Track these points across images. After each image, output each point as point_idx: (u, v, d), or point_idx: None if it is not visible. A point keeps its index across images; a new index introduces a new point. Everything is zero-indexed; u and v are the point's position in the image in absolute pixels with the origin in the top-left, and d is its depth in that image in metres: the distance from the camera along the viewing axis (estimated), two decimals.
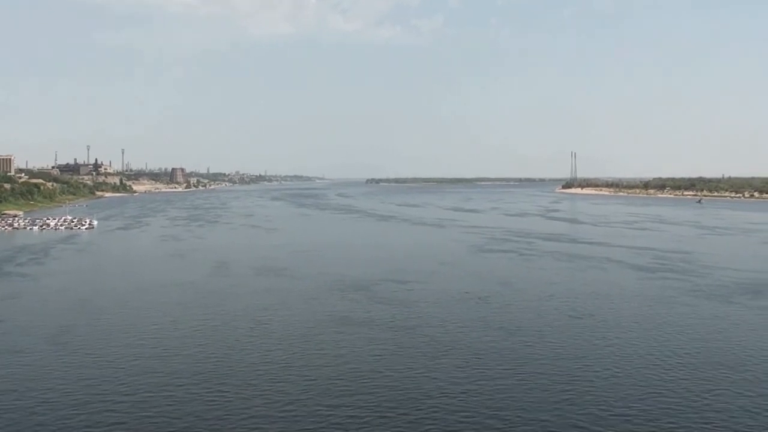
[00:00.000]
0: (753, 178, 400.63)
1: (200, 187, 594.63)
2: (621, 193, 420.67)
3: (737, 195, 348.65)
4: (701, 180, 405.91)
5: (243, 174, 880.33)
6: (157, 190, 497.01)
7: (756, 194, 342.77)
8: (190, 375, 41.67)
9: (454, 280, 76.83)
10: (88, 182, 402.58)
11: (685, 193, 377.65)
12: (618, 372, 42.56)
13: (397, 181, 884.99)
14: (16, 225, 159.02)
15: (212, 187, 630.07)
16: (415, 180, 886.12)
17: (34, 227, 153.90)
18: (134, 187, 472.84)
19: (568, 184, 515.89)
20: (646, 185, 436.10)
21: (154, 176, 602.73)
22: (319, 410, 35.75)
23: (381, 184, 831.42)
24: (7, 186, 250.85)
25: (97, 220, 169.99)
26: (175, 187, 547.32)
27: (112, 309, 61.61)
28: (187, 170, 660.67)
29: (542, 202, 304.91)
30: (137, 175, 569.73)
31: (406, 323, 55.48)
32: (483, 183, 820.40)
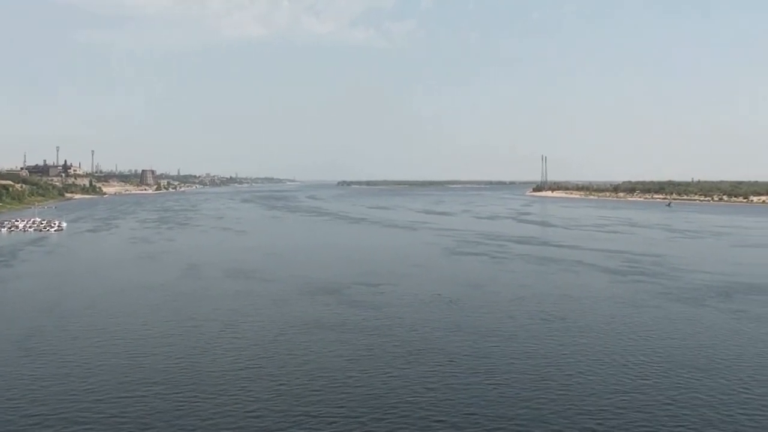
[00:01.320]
0: (722, 182, 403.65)
1: (171, 189, 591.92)
2: (591, 197, 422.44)
3: (706, 198, 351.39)
4: (671, 183, 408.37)
5: (214, 176, 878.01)
6: (127, 192, 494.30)
7: (725, 198, 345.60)
8: (160, 378, 41.24)
9: (426, 283, 76.70)
10: (58, 184, 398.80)
11: (655, 196, 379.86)
12: (590, 374, 42.53)
13: (368, 183, 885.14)
14: None
15: (183, 189, 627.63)
16: (386, 182, 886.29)
17: (2, 229, 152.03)
18: (104, 189, 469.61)
19: (539, 188, 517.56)
20: (616, 189, 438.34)
21: (124, 178, 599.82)
22: (290, 413, 35.46)
23: (352, 186, 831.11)
24: None
25: (67, 222, 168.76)
26: (146, 189, 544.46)
27: (81, 312, 61.00)
28: (158, 172, 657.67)
29: (513, 205, 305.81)
30: (107, 177, 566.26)
31: (378, 326, 55.27)
32: (454, 186, 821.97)
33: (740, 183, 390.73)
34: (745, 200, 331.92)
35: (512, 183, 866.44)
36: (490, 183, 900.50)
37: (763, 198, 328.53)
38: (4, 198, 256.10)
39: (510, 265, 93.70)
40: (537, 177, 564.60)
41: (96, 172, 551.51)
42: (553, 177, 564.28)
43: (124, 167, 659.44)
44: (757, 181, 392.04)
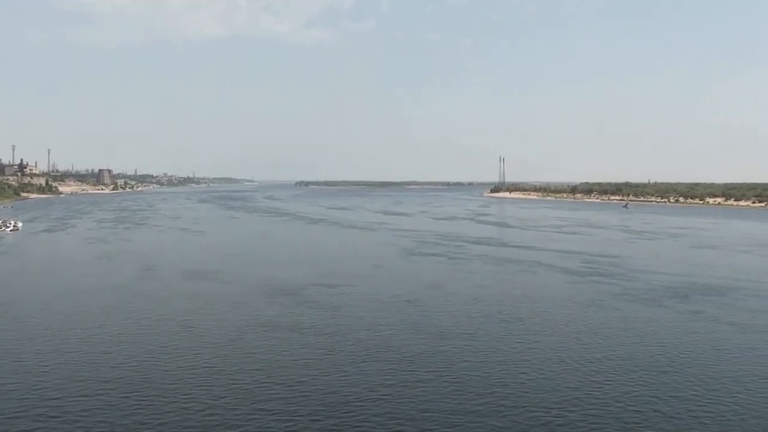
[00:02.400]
0: (678, 184, 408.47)
1: (128, 189, 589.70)
2: (549, 198, 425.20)
3: (663, 200, 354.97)
4: (628, 185, 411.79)
5: (171, 176, 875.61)
6: (83, 192, 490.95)
7: (681, 199, 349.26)
8: (116, 380, 40.55)
9: (384, 284, 76.48)
10: (13, 183, 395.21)
11: (612, 197, 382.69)
12: (548, 374, 42.42)
13: (326, 183, 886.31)
14: None
15: (140, 188, 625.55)
16: (344, 183, 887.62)
17: None
18: (61, 189, 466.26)
19: (497, 188, 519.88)
20: (573, 190, 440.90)
21: (81, 177, 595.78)
22: (248, 414, 34.96)
23: (310, 186, 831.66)
24: None
25: (22, 222, 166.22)
26: (102, 189, 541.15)
27: (37, 313, 59.99)
28: (115, 171, 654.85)
29: (471, 206, 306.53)
30: (64, 176, 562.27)
31: (336, 327, 54.85)
32: (412, 186, 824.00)
33: (696, 185, 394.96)
34: (701, 202, 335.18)
35: (470, 184, 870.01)
36: (448, 184, 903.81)
37: (718, 199, 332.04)
38: None
39: (468, 265, 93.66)
40: (495, 178, 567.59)
41: (52, 172, 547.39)
42: (511, 178, 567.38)
43: (81, 167, 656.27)
44: (713, 183, 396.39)
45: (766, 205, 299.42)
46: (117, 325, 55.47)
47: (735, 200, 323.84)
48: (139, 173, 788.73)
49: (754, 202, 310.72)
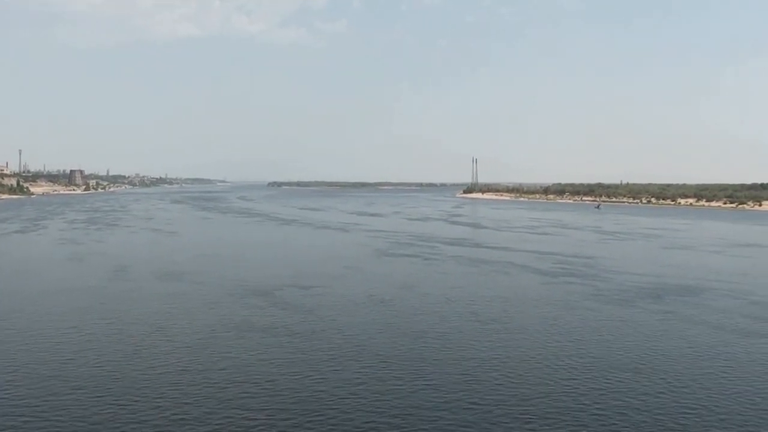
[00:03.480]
0: (650, 185, 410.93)
1: (100, 190, 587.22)
2: (522, 198, 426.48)
3: (635, 201, 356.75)
4: (600, 186, 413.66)
5: (143, 176, 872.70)
6: (55, 192, 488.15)
7: (653, 200, 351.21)
8: (89, 382, 40.21)
9: (358, 285, 76.27)
10: None
11: (584, 198, 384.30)
12: (521, 374, 42.40)
13: (299, 184, 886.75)
14: None
15: (112, 189, 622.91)
16: (317, 183, 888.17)
17: None
18: (32, 189, 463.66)
19: (469, 189, 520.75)
20: (546, 191, 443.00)
21: (53, 178, 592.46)
22: (220, 417, 34.73)
23: (283, 187, 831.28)
24: None
25: None
26: (74, 189, 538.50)
27: (8, 315, 59.29)
28: (87, 172, 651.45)
29: (444, 207, 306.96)
30: (35, 177, 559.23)
31: (309, 328, 54.63)
32: (385, 187, 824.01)
33: (668, 185, 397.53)
34: (672, 202, 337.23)
35: (443, 185, 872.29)
36: (421, 185, 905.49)
37: (690, 200, 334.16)
38: None
39: (442, 266, 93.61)
40: (468, 179, 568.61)
41: (23, 172, 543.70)
42: (483, 179, 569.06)
43: (53, 167, 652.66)
44: (685, 184, 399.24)
45: (737, 205, 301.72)
46: (89, 326, 55.01)
47: (706, 201, 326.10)
48: (111, 174, 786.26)
49: (725, 203, 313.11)
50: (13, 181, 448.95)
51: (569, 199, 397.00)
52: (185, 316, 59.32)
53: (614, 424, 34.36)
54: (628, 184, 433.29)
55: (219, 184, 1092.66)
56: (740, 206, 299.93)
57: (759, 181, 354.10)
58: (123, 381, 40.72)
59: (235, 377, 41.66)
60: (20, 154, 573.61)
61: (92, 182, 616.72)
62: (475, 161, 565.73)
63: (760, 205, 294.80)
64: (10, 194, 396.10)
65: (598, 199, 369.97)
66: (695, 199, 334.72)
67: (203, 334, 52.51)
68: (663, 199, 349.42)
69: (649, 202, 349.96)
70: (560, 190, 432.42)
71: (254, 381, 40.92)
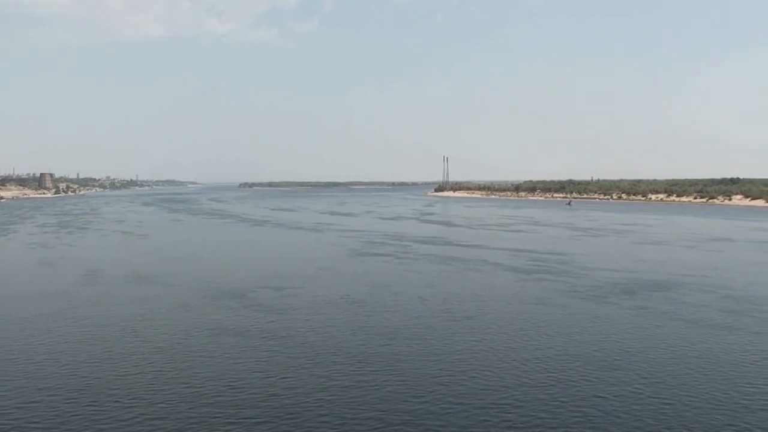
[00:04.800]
0: (621, 181, 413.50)
1: (70, 193, 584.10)
2: (493, 196, 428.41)
3: (606, 197, 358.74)
4: (571, 183, 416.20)
5: (114, 179, 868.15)
6: (25, 196, 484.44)
7: (624, 196, 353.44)
8: (62, 386, 39.67)
9: (332, 285, 75.92)
10: None
11: (555, 195, 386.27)
12: (497, 371, 42.28)
13: (270, 184, 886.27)
14: None
15: (82, 192, 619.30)
16: (289, 183, 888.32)
17: None
18: (1, 193, 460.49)
19: (441, 188, 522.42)
20: (517, 188, 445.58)
21: (22, 182, 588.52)
22: (194, 419, 34.39)
23: (254, 188, 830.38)
24: None
25: None
26: (44, 193, 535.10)
27: None
28: (57, 175, 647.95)
29: (416, 206, 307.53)
30: (4, 181, 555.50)
31: (283, 329, 54.26)
32: (357, 186, 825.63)
33: (639, 181, 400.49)
34: (643, 198, 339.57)
35: (414, 184, 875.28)
36: (393, 184, 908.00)
37: (660, 196, 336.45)
38: None
39: (415, 265, 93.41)
40: (439, 178, 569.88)
41: None
42: (455, 177, 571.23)
43: (22, 170, 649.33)
44: (655, 180, 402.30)
45: (707, 200, 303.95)
46: (61, 330, 54.44)
47: (677, 196, 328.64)
48: (81, 176, 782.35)
49: (695, 198, 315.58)
50: None
51: (540, 196, 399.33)
52: (158, 319, 58.78)
53: (590, 420, 34.24)
54: (598, 180, 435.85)
55: (190, 185, 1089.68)
56: (710, 201, 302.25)
57: (726, 176, 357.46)
58: (96, 385, 40.23)
59: (209, 380, 41.25)
60: None
61: (62, 185, 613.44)
62: (446, 159, 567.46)
63: (730, 199, 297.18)
64: None
65: (569, 195, 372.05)
66: (666, 195, 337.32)
67: (176, 337, 52.05)
68: (634, 195, 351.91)
69: (619, 198, 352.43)
70: (531, 187, 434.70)
71: (228, 383, 40.54)
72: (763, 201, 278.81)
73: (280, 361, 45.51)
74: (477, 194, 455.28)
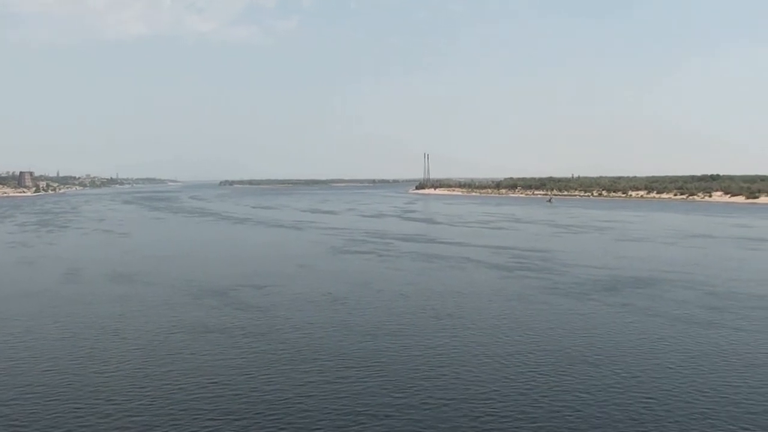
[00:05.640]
0: (601, 178, 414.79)
1: (50, 191, 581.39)
2: (474, 193, 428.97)
3: (586, 194, 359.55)
4: (551, 180, 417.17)
5: (94, 177, 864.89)
6: (4, 195, 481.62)
7: (604, 193, 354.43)
8: (43, 385, 39.45)
9: (314, 283, 75.75)
10: None
11: (536, 192, 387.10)
12: (479, 368, 42.27)
13: (251, 182, 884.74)
14: None
15: (62, 190, 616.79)
16: (270, 181, 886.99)
17: None
18: None
19: (422, 185, 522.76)
20: (498, 185, 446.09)
21: (2, 180, 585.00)
22: (175, 418, 34.21)
23: (235, 186, 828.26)
24: None
25: None
26: (24, 191, 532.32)
27: None
28: (37, 174, 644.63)
29: (397, 203, 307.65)
30: None
31: (265, 327, 54.08)
32: (338, 184, 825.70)
33: (619, 178, 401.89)
34: (624, 195, 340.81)
35: (396, 181, 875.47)
36: (374, 181, 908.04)
37: (641, 192, 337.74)
38: None
39: (396, 263, 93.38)
40: (420, 175, 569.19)
41: None
42: (436, 175, 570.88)
43: (2, 169, 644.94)
44: (635, 176, 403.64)
45: (687, 197, 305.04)
46: (42, 329, 54.13)
47: (657, 193, 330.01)
48: (61, 175, 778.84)
49: (675, 195, 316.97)
50: None
51: (521, 193, 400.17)
52: (139, 317, 58.49)
53: (569, 415, 34.25)
54: (579, 177, 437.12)
55: (171, 183, 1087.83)
56: (691, 198, 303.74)
57: (705, 173, 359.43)
58: (76, 384, 39.99)
59: (190, 377, 41.07)
60: None
61: (42, 184, 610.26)
62: (427, 157, 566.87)
63: (710, 196, 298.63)
64: None
65: (549, 192, 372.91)
66: (646, 191, 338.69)
67: (158, 335, 51.79)
68: (614, 192, 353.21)
69: (600, 194, 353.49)
70: (512, 184, 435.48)
71: (210, 380, 40.37)
72: (743, 197, 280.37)
73: (262, 358, 45.38)
74: (458, 191, 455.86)
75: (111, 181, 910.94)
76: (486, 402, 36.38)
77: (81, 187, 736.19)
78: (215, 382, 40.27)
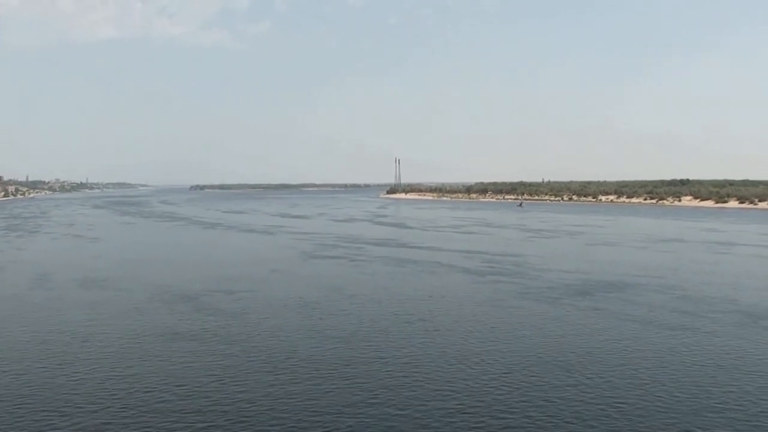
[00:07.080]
0: (571, 182, 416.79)
1: (19, 196, 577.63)
2: (445, 198, 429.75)
3: (556, 198, 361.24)
4: (522, 184, 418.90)
5: (63, 182, 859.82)
6: None
7: (574, 197, 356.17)
8: (12, 394, 38.93)
9: (286, 288, 75.45)
10: None
11: (507, 197, 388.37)
12: (452, 373, 42.11)
13: (222, 187, 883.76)
14: None
15: (32, 195, 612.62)
16: (240, 186, 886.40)
17: None
18: None
19: (393, 190, 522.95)
20: (468, 190, 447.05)
21: None
22: (147, 426, 33.92)
23: (206, 190, 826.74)
24: None
25: None
26: None
27: None
28: (5, 178, 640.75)
29: (369, 208, 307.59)
30: None
31: (237, 333, 53.64)
32: (309, 189, 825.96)
33: (589, 183, 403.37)
34: (594, 199, 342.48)
35: (367, 186, 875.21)
36: (345, 186, 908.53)
37: (611, 197, 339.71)
38: None
39: (368, 267, 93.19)
40: (391, 180, 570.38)
41: None
42: (407, 179, 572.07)
43: None
44: (605, 181, 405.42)
45: (657, 201, 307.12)
46: (10, 337, 53.52)
47: (627, 197, 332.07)
48: (31, 179, 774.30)
49: (645, 199, 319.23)
50: None
51: (492, 197, 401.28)
52: (109, 323, 57.92)
53: (541, 421, 34.19)
54: (549, 182, 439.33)
55: (141, 188, 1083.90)
56: (660, 202, 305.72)
57: (675, 177, 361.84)
58: (45, 391, 39.44)
59: (161, 384, 40.64)
60: None
61: (11, 188, 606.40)
62: (398, 162, 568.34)
63: (680, 200, 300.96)
64: None
65: (520, 197, 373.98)
66: (616, 196, 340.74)
67: (129, 342, 51.28)
68: (584, 197, 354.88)
69: (570, 199, 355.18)
70: (483, 189, 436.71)
71: (180, 387, 39.96)
72: (712, 202, 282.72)
73: (233, 364, 45.03)
74: (429, 196, 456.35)
75: (81, 186, 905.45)
76: (458, 407, 36.24)
77: (51, 192, 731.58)
78: (185, 388, 39.91)
